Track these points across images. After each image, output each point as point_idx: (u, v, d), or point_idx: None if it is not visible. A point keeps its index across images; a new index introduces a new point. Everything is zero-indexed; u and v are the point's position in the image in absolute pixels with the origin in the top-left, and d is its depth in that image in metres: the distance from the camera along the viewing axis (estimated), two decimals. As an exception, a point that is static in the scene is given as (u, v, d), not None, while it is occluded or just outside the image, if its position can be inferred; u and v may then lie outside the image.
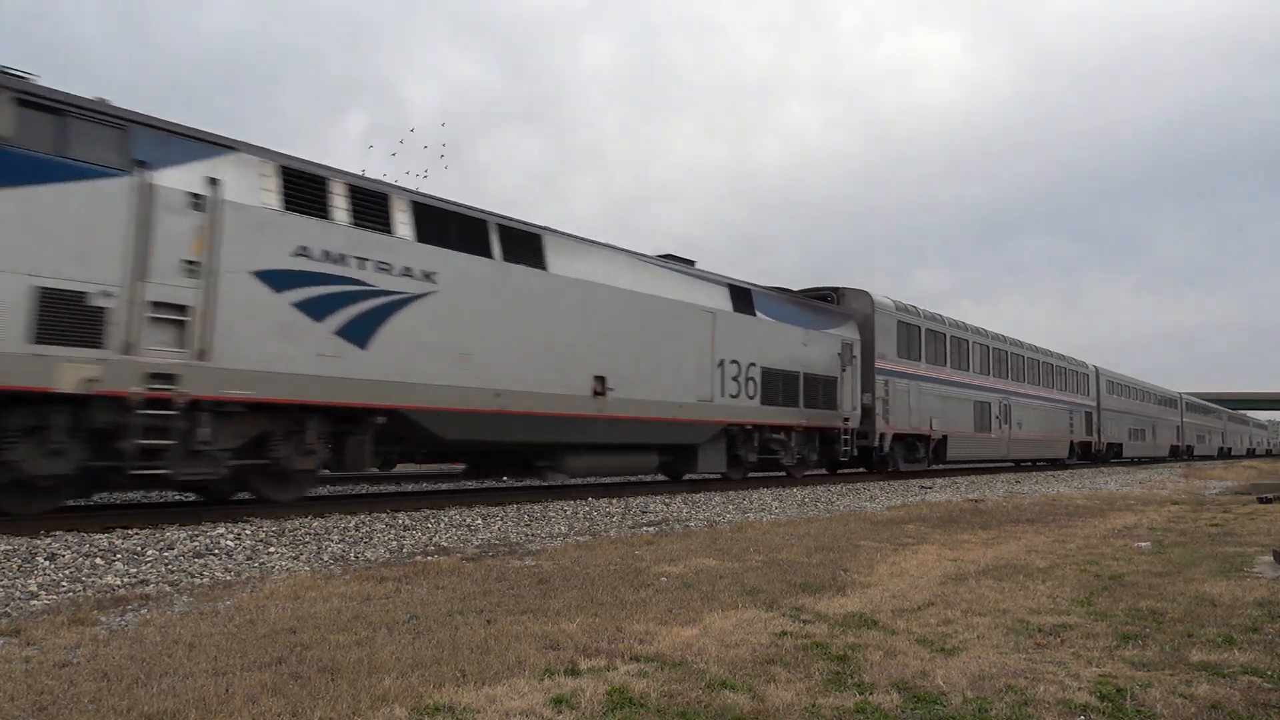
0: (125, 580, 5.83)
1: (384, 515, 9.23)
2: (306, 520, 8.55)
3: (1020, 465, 31.03)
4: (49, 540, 6.77)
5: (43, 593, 5.39)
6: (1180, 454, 51.77)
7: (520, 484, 15.27)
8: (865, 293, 19.78)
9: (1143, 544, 8.42)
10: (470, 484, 15.12)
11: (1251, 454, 77.39)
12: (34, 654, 3.90)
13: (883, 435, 19.32)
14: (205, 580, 5.96)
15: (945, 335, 22.83)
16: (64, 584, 5.64)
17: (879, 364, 19.28)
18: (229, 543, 7.19)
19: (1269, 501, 14.14)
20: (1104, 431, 36.46)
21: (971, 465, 27.05)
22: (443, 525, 8.91)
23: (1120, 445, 38.64)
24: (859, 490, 16.11)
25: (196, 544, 7.00)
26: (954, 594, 5.67)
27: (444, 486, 14.37)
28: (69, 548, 6.55)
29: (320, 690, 3.35)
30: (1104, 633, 4.64)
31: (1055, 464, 32.17)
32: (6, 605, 5.00)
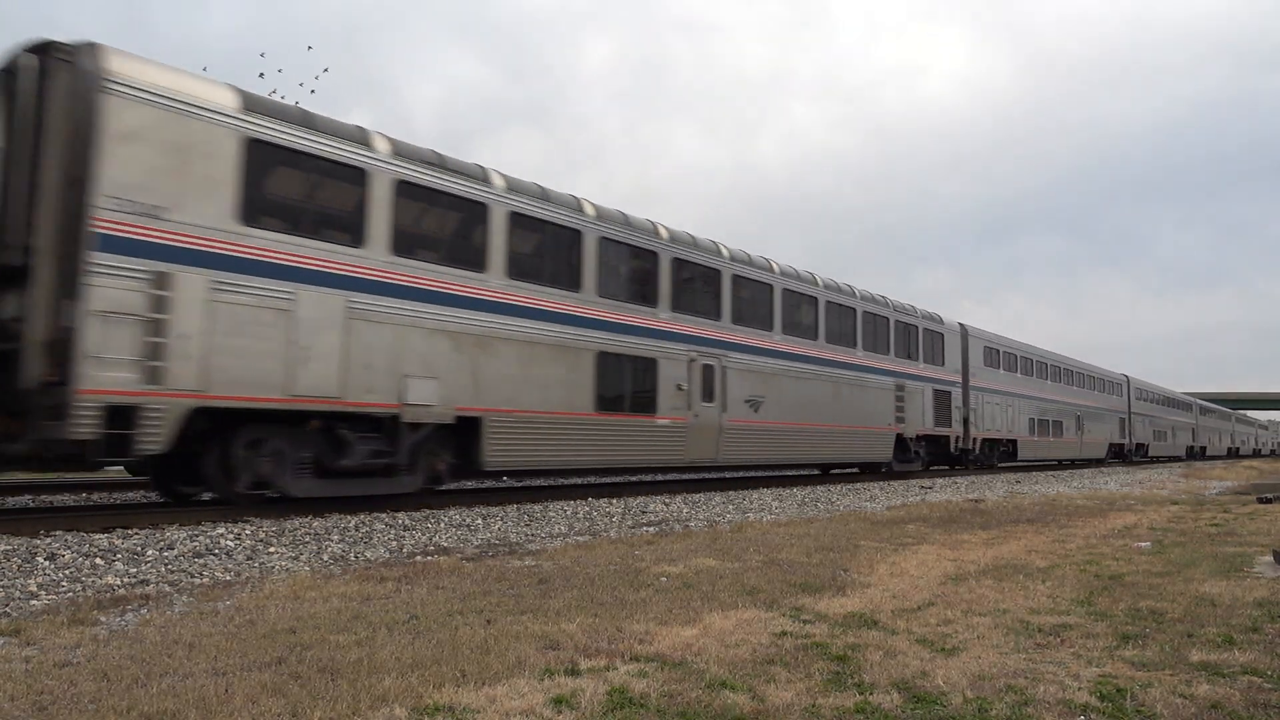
0: (125, 580, 5.84)
1: (384, 515, 9.23)
2: (306, 520, 8.55)
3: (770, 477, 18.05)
4: (49, 540, 6.78)
5: (43, 593, 5.39)
6: (1128, 455, 40.36)
7: (520, 484, 15.27)
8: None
9: (1143, 544, 8.41)
10: (470, 483, 15.13)
11: (1195, 454, 56.96)
12: (34, 654, 3.90)
13: (108, 410, 7.49)
14: (205, 580, 5.96)
15: (476, 203, 10.81)
16: (64, 584, 5.64)
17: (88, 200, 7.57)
18: (229, 543, 7.19)
19: (1269, 501, 14.14)
20: (976, 423, 24.11)
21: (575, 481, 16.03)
22: (443, 525, 8.91)
23: (1017, 443, 27.23)
24: (859, 490, 16.17)
25: (196, 544, 7.00)
26: (954, 594, 5.67)
27: (443, 486, 14.35)
28: (69, 548, 6.55)
29: (320, 690, 3.35)
30: (1104, 633, 4.64)
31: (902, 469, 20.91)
32: (6, 605, 5.01)
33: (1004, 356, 27.28)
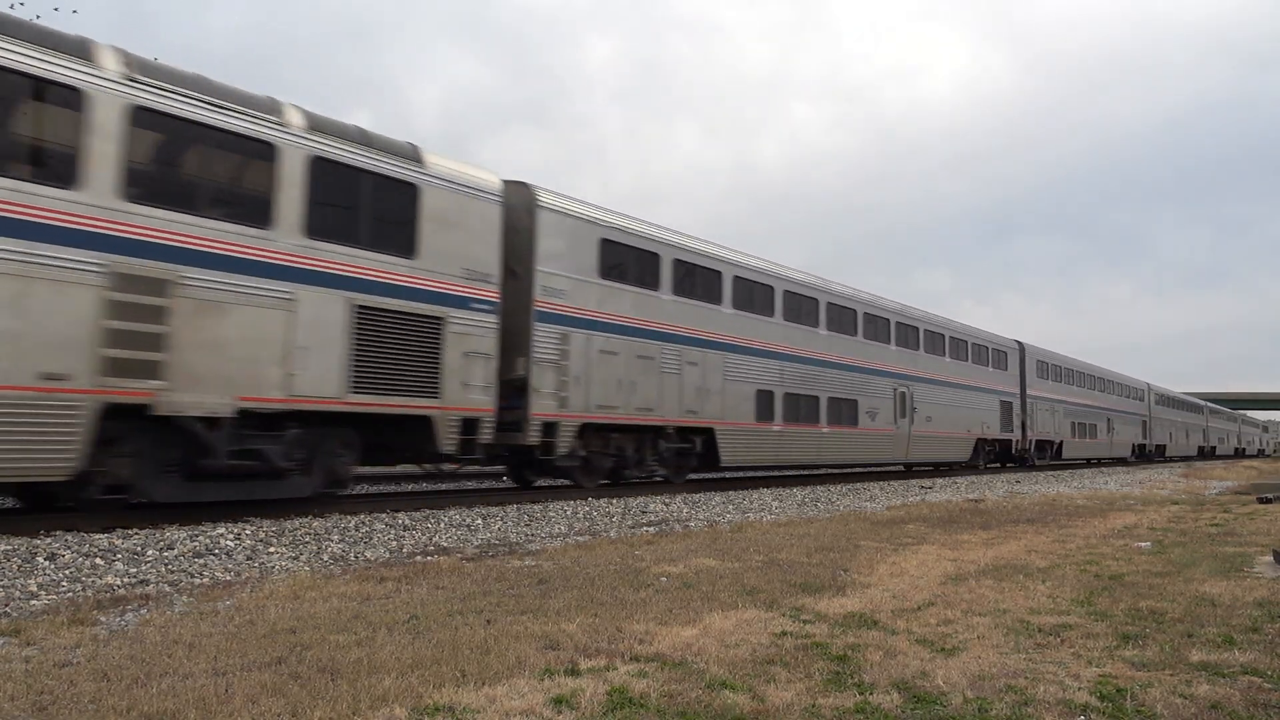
0: (125, 580, 5.84)
1: (384, 515, 9.23)
2: (306, 520, 8.55)
3: None
4: (49, 540, 6.77)
5: (43, 593, 5.39)
6: (1025, 458, 27.98)
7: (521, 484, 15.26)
8: None
9: (1143, 544, 8.41)
10: (470, 484, 15.13)
11: (1147, 455, 43.18)
12: (34, 654, 3.90)
13: None
14: (205, 580, 5.96)
15: None
16: (64, 584, 5.64)
17: None
18: (229, 543, 7.19)
19: (1269, 501, 14.14)
20: (556, 392, 11.81)
21: None
22: (443, 525, 8.91)
23: (715, 435, 14.67)
24: (859, 490, 16.17)
25: (196, 544, 7.00)
26: (954, 594, 5.66)
27: (444, 486, 14.37)
28: (69, 548, 6.55)
29: (320, 690, 3.35)
30: (1104, 633, 4.64)
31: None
32: (6, 605, 5.01)
33: (675, 268, 14.23)
